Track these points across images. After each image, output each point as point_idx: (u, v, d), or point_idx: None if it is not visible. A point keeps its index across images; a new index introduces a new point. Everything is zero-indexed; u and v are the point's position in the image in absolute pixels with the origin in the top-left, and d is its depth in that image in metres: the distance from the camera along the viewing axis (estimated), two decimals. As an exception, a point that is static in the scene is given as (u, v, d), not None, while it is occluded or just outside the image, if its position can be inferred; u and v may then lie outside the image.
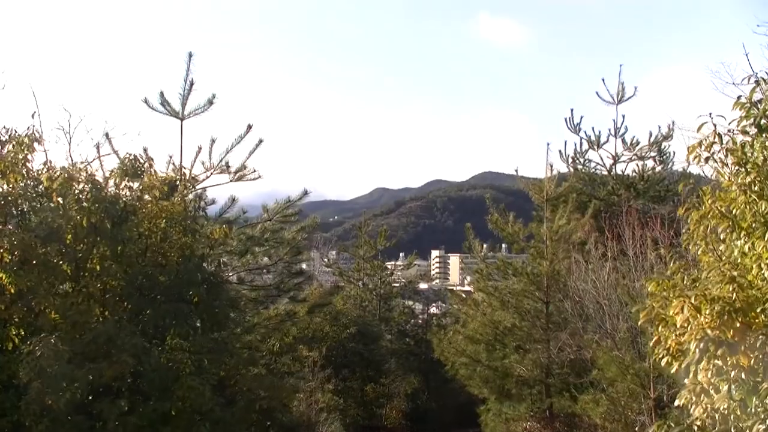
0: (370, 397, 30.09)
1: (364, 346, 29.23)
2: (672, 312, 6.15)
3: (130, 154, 14.01)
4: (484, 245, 24.20)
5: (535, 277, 20.94)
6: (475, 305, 22.64)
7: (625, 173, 25.72)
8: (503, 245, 26.46)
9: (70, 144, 18.93)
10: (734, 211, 6.99)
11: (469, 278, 52.44)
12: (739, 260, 6.95)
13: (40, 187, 9.80)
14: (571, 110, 25.67)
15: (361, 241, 35.95)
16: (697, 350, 5.87)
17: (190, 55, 16.52)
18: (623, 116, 25.20)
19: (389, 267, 35.94)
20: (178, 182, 12.66)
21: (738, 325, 5.89)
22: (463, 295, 26.69)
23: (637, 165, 25.61)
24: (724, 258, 7.07)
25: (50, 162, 11.53)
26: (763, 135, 7.27)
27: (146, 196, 11.01)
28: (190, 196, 15.39)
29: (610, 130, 25.46)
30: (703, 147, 7.49)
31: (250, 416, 10.62)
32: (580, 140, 25.89)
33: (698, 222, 7.40)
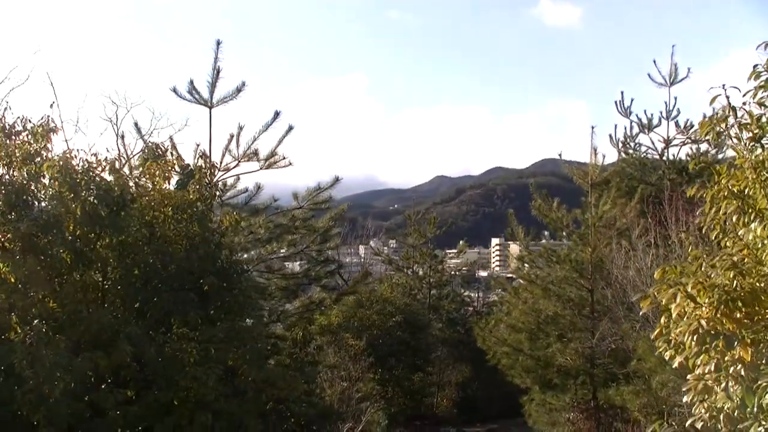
0: (417, 386, 29.65)
1: (410, 335, 28.78)
2: (665, 301, 5.57)
3: (152, 143, 14.02)
4: (528, 232, 23.46)
5: (578, 264, 20.18)
6: (515, 293, 22.00)
7: (678, 157, 24.60)
8: (546, 232, 25.69)
9: (117, 134, 19.10)
10: (747, 191, 6.34)
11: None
12: (752, 245, 6.30)
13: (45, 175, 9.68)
14: (621, 93, 24.62)
15: (411, 229, 35.53)
16: (693, 343, 5.29)
17: (218, 43, 16.30)
18: (675, 98, 24.08)
19: (439, 255, 35.27)
20: (193, 169, 12.42)
21: (738, 315, 5.29)
22: (506, 283, 25.96)
23: (691, 148, 24.45)
24: (738, 243, 6.42)
25: (71, 152, 11.48)
26: (782, 105, 6.57)
27: (148, 183, 10.81)
28: (214, 183, 15.28)
29: (661, 113, 24.35)
30: (715, 122, 6.84)
31: (258, 407, 10.34)
32: (631, 124, 24.88)
33: (711, 203, 6.76)
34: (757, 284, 5.40)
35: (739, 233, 6.43)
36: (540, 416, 21.44)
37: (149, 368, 9.64)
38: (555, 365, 19.82)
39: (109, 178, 10.15)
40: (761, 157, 6.23)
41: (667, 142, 24.51)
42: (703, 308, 5.30)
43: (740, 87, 6.81)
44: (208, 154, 16.33)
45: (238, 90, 16.36)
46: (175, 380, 9.54)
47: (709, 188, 6.58)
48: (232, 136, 16.45)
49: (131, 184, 10.35)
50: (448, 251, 41.43)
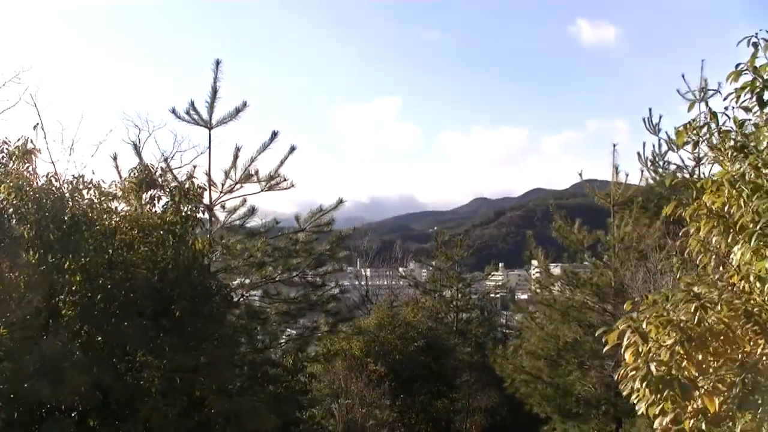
0: (440, 412, 28.55)
1: (434, 360, 27.74)
2: (610, 340, 4.69)
3: (142, 164, 13.49)
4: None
5: (599, 288, 19.07)
6: (532, 318, 20.93)
7: (711, 175, 23.25)
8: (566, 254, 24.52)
9: (140, 157, 18.59)
10: (728, 209, 5.43)
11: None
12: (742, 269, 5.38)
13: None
14: (650, 109, 23.45)
15: (438, 252, 34.58)
16: (647, 391, 4.39)
17: (218, 63, 15.84)
18: (704, 114, 22.80)
19: (467, 278, 34.20)
20: (173, 191, 11.82)
21: (701, 357, 4.37)
22: (526, 307, 24.82)
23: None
24: (729, 267, 5.50)
25: (55, 174, 11.02)
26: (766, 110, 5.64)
27: (111, 205, 10.23)
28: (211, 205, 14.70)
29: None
30: (692, 130, 5.95)
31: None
32: (659, 141, 23.69)
33: (691, 223, 5.86)
34: (725, 319, 4.48)
35: (731, 257, 5.49)
36: (562, 447, 20.28)
37: (112, 398, 9.01)
38: (574, 394, 18.66)
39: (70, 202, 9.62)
40: (741, 170, 5.31)
41: (698, 160, 23.24)
42: (661, 348, 4.40)
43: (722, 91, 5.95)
44: (208, 176, 15.92)
45: (238, 111, 15.82)
46: (136, 411, 8.88)
47: (688, 206, 5.68)
48: (236, 158, 15.91)
49: (85, 206, 9.71)
50: (484, 274, 40.17)
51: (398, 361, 26.45)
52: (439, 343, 28.74)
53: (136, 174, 12.61)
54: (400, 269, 47.56)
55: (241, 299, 14.82)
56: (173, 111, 15.83)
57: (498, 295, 42.16)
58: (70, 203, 9.18)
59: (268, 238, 15.77)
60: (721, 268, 5.90)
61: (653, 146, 23.56)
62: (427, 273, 42.52)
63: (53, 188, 9.20)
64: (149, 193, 12.57)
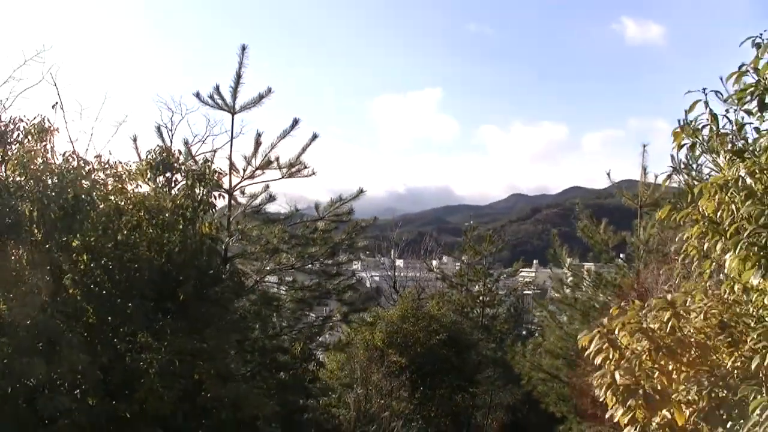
0: (460, 407, 28.37)
1: (456, 354, 27.54)
2: (580, 344, 4.52)
3: (161, 147, 13.55)
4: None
5: (621, 290, 18.67)
6: (552, 317, 20.61)
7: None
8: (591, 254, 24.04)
9: (171, 140, 18.67)
10: (720, 214, 5.20)
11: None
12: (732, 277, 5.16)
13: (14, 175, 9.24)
14: (685, 111, 22.93)
15: (466, 246, 34.30)
16: (614, 401, 4.22)
17: (243, 48, 15.81)
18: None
19: (494, 273, 33.88)
20: (187, 175, 11.85)
21: (671, 367, 4.18)
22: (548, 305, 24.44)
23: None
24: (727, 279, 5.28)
25: (74, 153, 11.11)
26: (768, 113, 5.38)
27: (125, 186, 10.26)
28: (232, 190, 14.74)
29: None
30: (689, 132, 5.71)
31: (221, 427, 9.59)
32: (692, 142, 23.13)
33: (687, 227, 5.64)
34: (700, 329, 4.28)
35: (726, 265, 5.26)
36: (577, 448, 19.95)
37: (110, 378, 9.05)
38: (591, 395, 18.32)
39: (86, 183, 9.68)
40: (734, 175, 5.07)
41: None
42: (632, 356, 4.22)
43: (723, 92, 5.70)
44: (230, 161, 15.95)
45: (261, 97, 15.80)
46: (134, 391, 8.91)
47: (681, 210, 5.47)
48: (257, 144, 15.90)
49: (90, 186, 9.72)
50: (511, 270, 39.76)
51: (419, 353, 26.34)
52: (462, 338, 28.51)
53: (153, 156, 12.70)
54: (433, 262, 47.44)
55: (256, 285, 14.79)
56: (197, 95, 15.90)
57: (530, 293, 41.75)
58: (77, 182, 9.17)
59: (287, 225, 15.74)
60: (722, 276, 5.70)
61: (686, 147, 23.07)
62: (430, 265, 42.24)
63: (54, 167, 9.22)
64: (166, 175, 12.67)
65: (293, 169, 15.80)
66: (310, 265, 15.18)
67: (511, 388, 30.73)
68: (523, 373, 21.41)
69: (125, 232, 9.97)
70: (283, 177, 15.82)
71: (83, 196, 8.98)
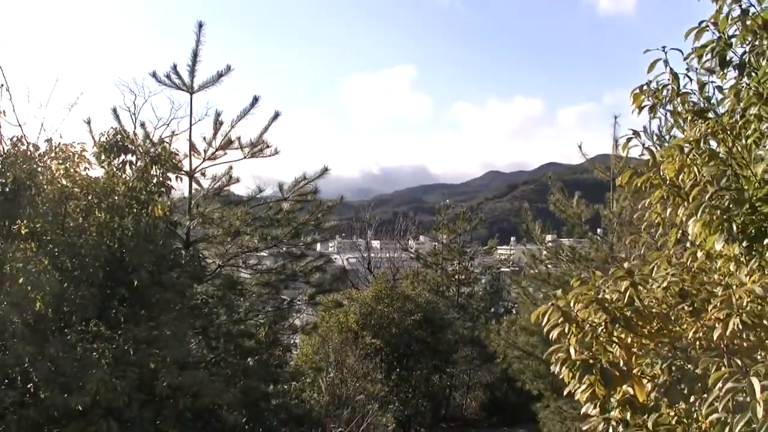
0: (436, 388, 28.29)
1: (431, 334, 27.36)
2: (533, 319, 4.29)
3: (115, 129, 13.12)
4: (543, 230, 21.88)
5: (594, 263, 18.58)
6: (525, 294, 20.49)
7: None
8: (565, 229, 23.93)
9: (135, 124, 18.08)
10: (682, 178, 4.98)
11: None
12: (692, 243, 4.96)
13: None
14: (656, 82, 22.80)
15: (440, 224, 34.10)
16: (571, 377, 4.00)
17: (200, 26, 15.33)
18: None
19: (468, 251, 33.70)
20: (139, 156, 11.48)
21: (630, 340, 3.95)
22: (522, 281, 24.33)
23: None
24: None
25: (23, 137, 10.68)
26: (730, 70, 5.15)
27: (76, 169, 9.87)
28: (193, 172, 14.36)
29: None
30: (649, 93, 5.47)
31: (179, 416, 9.31)
32: (665, 114, 23.04)
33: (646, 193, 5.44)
34: (670, 298, 4.05)
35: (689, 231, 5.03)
36: (554, 425, 19.92)
37: (61, 369, 8.70)
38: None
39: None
40: (696, 136, 4.83)
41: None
42: (589, 329, 3.98)
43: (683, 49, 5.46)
44: (189, 142, 15.55)
45: (220, 75, 15.37)
46: (86, 383, 8.58)
47: (641, 175, 5.25)
48: (217, 123, 15.50)
49: (31, 169, 9.32)
50: (486, 248, 39.61)
51: (394, 334, 26.14)
52: (438, 317, 28.34)
53: (107, 138, 12.28)
54: (410, 242, 47.22)
55: (220, 269, 14.47)
56: (154, 75, 15.42)
57: (507, 270, 41.63)
58: (18, 166, 8.77)
59: (252, 206, 15.41)
60: (688, 244, 5.50)
61: (659, 120, 23.00)
62: (404, 245, 42.08)
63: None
64: (121, 158, 12.28)
65: (255, 149, 15.46)
66: (274, 247, 14.87)
67: (489, 367, 30.73)
68: (499, 350, 21.29)
69: (74, 216, 9.58)
70: (245, 157, 15.47)
71: (26, 181, 8.59)
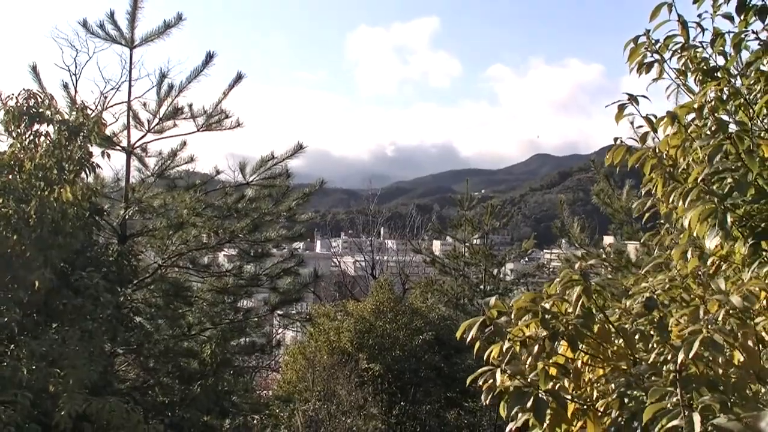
0: (450, 426, 28.08)
1: (444, 359, 27.08)
2: (458, 334, 4.17)
3: (27, 91, 13.08)
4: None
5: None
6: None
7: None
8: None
9: (75, 85, 18.00)
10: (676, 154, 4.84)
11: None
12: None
13: None
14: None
15: (462, 220, 33.73)
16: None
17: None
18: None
19: (497, 254, 33.34)
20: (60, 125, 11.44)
21: (580, 364, 3.80)
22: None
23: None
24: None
25: None
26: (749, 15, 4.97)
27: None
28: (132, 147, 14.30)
29: None
30: (651, 48, 5.30)
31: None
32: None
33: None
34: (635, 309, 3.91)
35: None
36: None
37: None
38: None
39: None
40: (701, 102, 4.67)
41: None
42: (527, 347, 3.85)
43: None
44: (129, 110, 15.50)
45: (168, 25, 15.35)
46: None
47: (629, 151, 5.13)
48: (161, 87, 15.44)
49: None
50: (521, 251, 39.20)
51: (398, 358, 25.89)
52: (454, 337, 28.09)
53: (16, 103, 12.25)
54: (434, 243, 46.97)
55: (161, 271, 14.41)
56: (84, 23, 15.36)
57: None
58: None
59: (205, 192, 15.36)
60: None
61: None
62: (418, 246, 41.78)
63: None
64: (34, 129, 12.24)
65: (212, 120, 15.41)
66: (228, 243, 14.80)
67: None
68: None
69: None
70: (198, 130, 15.43)
71: None
